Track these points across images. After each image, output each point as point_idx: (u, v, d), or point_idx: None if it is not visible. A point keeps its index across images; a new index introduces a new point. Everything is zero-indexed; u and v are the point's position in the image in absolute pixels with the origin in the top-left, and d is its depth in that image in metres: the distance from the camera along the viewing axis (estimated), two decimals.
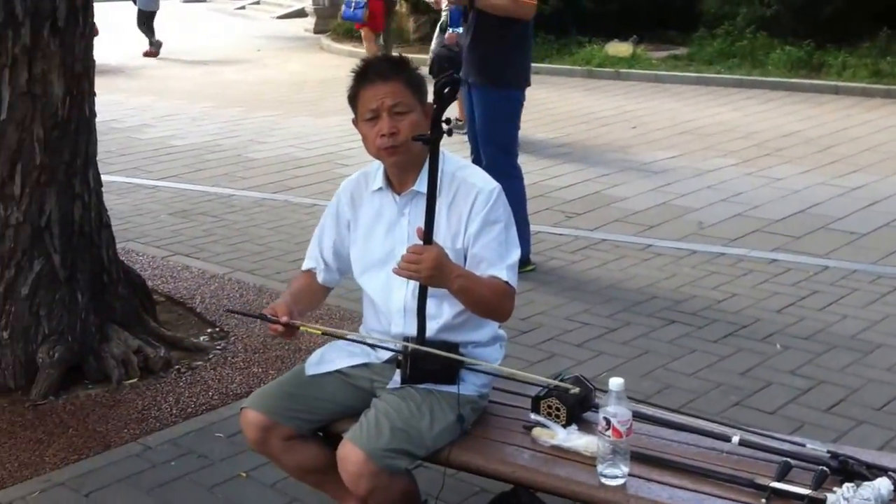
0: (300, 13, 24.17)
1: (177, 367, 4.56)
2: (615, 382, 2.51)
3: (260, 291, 5.52)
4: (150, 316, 4.91)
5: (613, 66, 14.00)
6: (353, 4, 13.76)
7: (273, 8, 26.63)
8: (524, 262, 5.77)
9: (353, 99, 2.84)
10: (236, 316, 4.99)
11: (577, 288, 5.59)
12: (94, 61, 4.59)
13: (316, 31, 20.80)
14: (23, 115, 4.23)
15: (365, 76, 2.80)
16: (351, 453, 2.64)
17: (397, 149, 2.75)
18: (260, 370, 4.52)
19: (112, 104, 12.26)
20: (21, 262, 4.31)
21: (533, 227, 6.33)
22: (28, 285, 4.32)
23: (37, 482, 3.61)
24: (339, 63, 15.03)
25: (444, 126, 2.54)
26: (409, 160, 2.78)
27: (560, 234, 6.60)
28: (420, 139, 2.61)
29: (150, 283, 5.37)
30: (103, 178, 8.02)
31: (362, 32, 14.38)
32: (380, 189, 2.90)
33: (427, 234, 2.60)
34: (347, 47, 17.50)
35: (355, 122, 2.86)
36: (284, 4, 26.44)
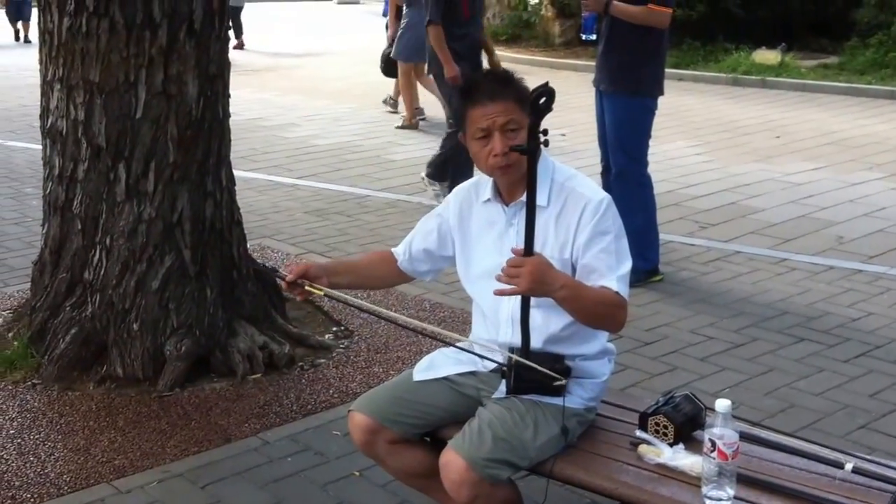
0: None
1: (300, 363, 4.64)
2: (722, 404, 2.43)
3: (387, 293, 5.57)
4: (279, 313, 5.00)
5: (760, 74, 13.66)
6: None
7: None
8: (653, 271, 5.70)
9: (462, 118, 2.83)
10: (361, 316, 5.06)
11: (706, 300, 5.46)
12: (229, 63, 4.70)
13: None
14: (158, 115, 4.37)
15: (472, 95, 2.79)
16: (453, 461, 2.64)
17: (511, 167, 2.74)
18: (381, 370, 4.56)
19: (262, 102, 12.67)
20: (153, 257, 4.45)
21: (665, 237, 6.23)
22: (159, 279, 4.46)
23: (156, 472, 3.72)
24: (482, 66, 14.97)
25: (542, 137, 2.51)
26: (520, 174, 2.76)
27: (692, 245, 6.46)
28: (517, 149, 2.59)
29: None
30: (246, 174, 8.32)
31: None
32: (489, 200, 2.89)
33: (528, 245, 2.57)
34: (498, 53, 17.53)
35: (463, 138, 2.86)
36: None
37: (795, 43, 14.78)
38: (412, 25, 9.74)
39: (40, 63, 4.62)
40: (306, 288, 2.89)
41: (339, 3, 28.50)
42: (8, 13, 19.69)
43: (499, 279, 2.59)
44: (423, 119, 11.13)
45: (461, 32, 7.24)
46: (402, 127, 10.92)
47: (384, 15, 14.32)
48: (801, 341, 4.88)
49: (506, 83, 2.80)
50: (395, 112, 11.72)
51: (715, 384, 4.36)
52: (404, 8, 10.18)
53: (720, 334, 4.98)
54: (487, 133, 2.75)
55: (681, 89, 12.73)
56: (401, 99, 11.38)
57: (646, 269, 5.63)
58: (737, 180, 8.18)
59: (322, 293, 2.92)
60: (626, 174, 5.57)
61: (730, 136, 10.11)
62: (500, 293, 2.62)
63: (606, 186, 5.63)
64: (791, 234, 6.67)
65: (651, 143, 5.80)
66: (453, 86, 6.96)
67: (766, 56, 14.12)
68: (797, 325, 5.07)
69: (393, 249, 3.16)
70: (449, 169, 7.55)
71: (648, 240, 5.66)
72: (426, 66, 7.92)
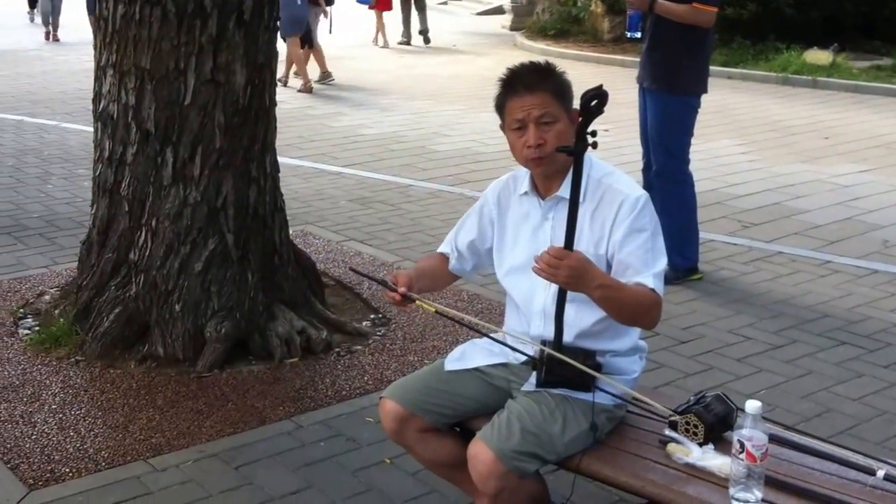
0: (498, 10, 24.39)
1: (337, 349, 4.69)
2: (752, 405, 2.43)
3: None
4: (318, 298, 5.06)
5: (811, 74, 13.49)
6: None
7: (473, 4, 26.96)
8: (692, 269, 5.68)
9: (500, 108, 2.84)
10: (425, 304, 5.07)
11: (745, 301, 5.43)
12: (276, 52, 4.76)
13: (512, 29, 20.98)
14: (205, 101, 4.44)
15: (511, 86, 2.80)
16: (481, 452, 2.66)
17: (544, 159, 2.75)
18: (415, 359, 4.59)
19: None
20: (196, 240, 4.52)
21: (706, 235, 6.21)
22: (202, 262, 4.53)
23: (192, 451, 3.78)
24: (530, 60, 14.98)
25: (589, 138, 2.52)
26: (555, 168, 2.78)
27: (734, 244, 6.42)
28: (564, 150, 2.60)
29: (322, 267, 5.55)
30: (293, 161, 8.38)
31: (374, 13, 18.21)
32: (525, 193, 2.91)
33: (568, 243, 2.58)
34: (540, 45, 17.56)
35: (503, 128, 2.87)
36: (484, 1, 26.74)
37: (847, 44, 14.57)
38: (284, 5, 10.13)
39: (94, 48, 4.72)
40: (418, 303, 2.85)
41: None
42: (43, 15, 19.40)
43: (536, 269, 2.59)
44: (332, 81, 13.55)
45: None
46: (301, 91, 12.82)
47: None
48: (841, 345, 4.84)
49: (545, 75, 2.80)
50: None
51: (751, 386, 4.34)
52: None
53: (758, 335, 4.95)
54: (523, 124, 2.76)
55: (730, 88, 12.64)
56: (292, 71, 13.44)
57: (685, 267, 5.62)
58: (782, 180, 8.11)
59: (434, 310, 2.85)
60: (667, 171, 5.55)
61: (777, 136, 10.02)
62: (539, 274, 2.60)
63: (647, 183, 5.62)
64: (835, 236, 6.61)
65: (696, 140, 5.78)
66: None
67: (818, 56, 13.96)
68: (837, 329, 5.04)
69: (440, 250, 3.16)
70: None
71: (688, 238, 5.64)
72: None
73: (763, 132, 10.20)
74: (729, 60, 14.18)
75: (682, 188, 5.58)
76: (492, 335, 2.99)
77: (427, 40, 18.52)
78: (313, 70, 13.49)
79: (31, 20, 20.89)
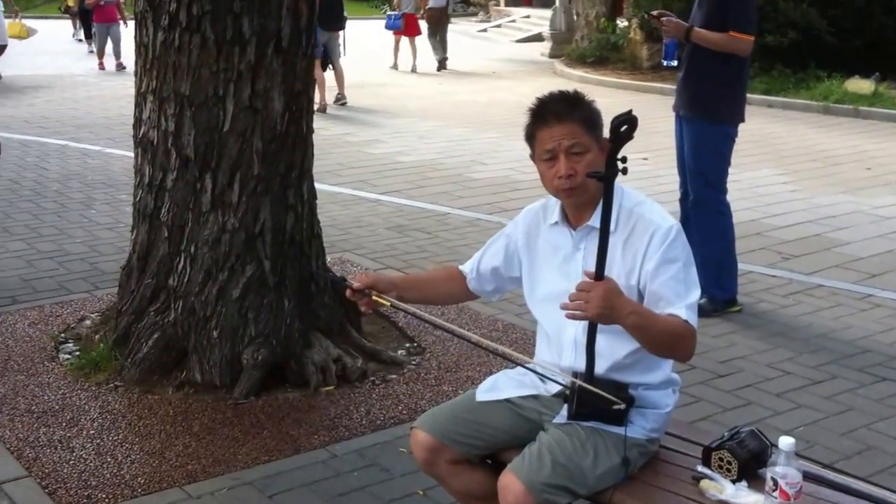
0: (537, 37, 24.52)
1: (372, 378, 4.69)
2: (785, 442, 2.40)
3: (461, 311, 5.59)
4: (354, 326, 5.07)
5: (852, 103, 13.38)
6: (392, 18, 18.85)
7: (513, 32, 27.17)
8: (730, 301, 5.63)
9: (530, 138, 2.85)
10: (434, 333, 5.09)
11: (785, 334, 5.37)
12: (314, 79, 4.80)
13: (551, 56, 21.08)
14: (244, 128, 4.48)
15: (541, 116, 2.80)
16: (511, 484, 2.65)
17: (574, 189, 2.75)
18: (450, 388, 4.59)
19: (348, 118, 12.85)
20: (234, 266, 4.56)
21: (745, 267, 6.16)
22: (239, 288, 4.56)
23: (227, 479, 3.80)
24: (568, 88, 14.95)
25: (620, 164, 2.51)
26: (586, 198, 2.78)
27: (773, 276, 6.36)
28: (595, 176, 2.59)
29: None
30: (331, 188, 8.43)
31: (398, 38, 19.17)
32: (556, 223, 2.90)
33: (599, 272, 2.56)
34: (579, 72, 17.59)
35: (533, 158, 2.88)
36: (524, 29, 26.93)
37: (889, 73, 14.45)
38: None
39: (135, 75, 4.78)
40: (373, 298, 2.92)
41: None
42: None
43: (564, 307, 2.59)
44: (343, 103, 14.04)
45: None
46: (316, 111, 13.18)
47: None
48: (883, 381, 4.77)
49: (574, 105, 2.80)
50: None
51: (790, 421, 4.29)
52: None
53: (798, 370, 4.90)
54: (553, 155, 2.76)
55: (770, 116, 12.58)
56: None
57: (723, 298, 5.58)
58: (823, 211, 8.04)
59: (388, 304, 2.94)
60: (703, 201, 5.52)
61: (818, 166, 9.94)
62: (571, 317, 2.61)
63: (684, 213, 5.60)
64: (877, 269, 6.53)
65: (736, 169, 5.75)
66: None
67: (860, 85, 13.86)
68: (879, 364, 4.96)
69: (460, 267, 3.19)
70: None
71: (726, 269, 5.60)
72: None
73: (804, 162, 10.13)
74: (769, 88, 14.12)
75: (720, 218, 5.54)
76: (525, 365, 2.98)
77: (443, 67, 19.15)
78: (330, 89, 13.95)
79: (90, 51, 21.10)
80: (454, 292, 3.21)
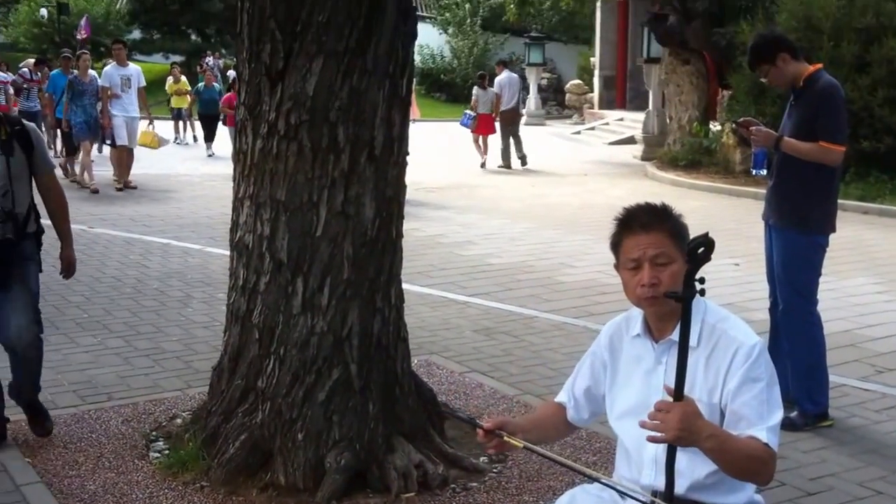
0: (630, 140, 24.70)
1: (453, 485, 4.66)
2: None
3: None
4: (437, 431, 5.06)
5: None
6: (466, 117, 20.27)
7: (606, 134, 27.42)
8: (822, 415, 5.49)
9: (616, 246, 2.88)
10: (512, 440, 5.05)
11: (878, 451, 5.20)
12: (405, 186, 4.91)
13: (643, 158, 21.18)
14: (336, 233, 4.59)
15: (628, 225, 2.84)
16: None
17: (657, 299, 2.76)
18: (531, 499, 4.54)
19: (441, 219, 13.02)
20: (321, 369, 4.63)
21: (837, 379, 6.02)
22: (325, 391, 4.62)
23: None
24: (660, 191, 15.17)
25: (698, 285, 2.52)
26: (668, 308, 2.78)
27: (866, 390, 6.18)
28: (672, 296, 2.59)
29: (442, 398, 5.57)
30: (421, 290, 8.51)
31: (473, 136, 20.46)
32: (638, 335, 2.91)
33: (678, 391, 2.55)
34: (671, 175, 17.60)
35: (617, 267, 2.90)
36: (617, 131, 27.16)
37: None
38: None
39: (233, 181, 4.96)
40: (505, 439, 2.87)
41: (525, 123, 29.25)
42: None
43: (643, 425, 2.57)
44: None
45: None
46: None
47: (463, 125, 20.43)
48: None
49: (661, 216, 2.83)
50: None
51: None
52: None
53: (891, 490, 4.72)
54: (638, 264, 2.79)
55: (866, 223, 12.33)
56: None
57: (814, 412, 5.44)
58: None
59: (521, 446, 2.87)
60: (793, 310, 5.44)
61: None
62: (651, 440, 2.59)
63: (774, 323, 5.52)
64: None
65: (830, 278, 5.67)
66: None
67: None
68: None
69: (556, 399, 3.17)
70: None
71: (817, 381, 5.47)
72: None
73: None
74: (866, 195, 13.90)
75: (810, 328, 5.44)
76: (603, 480, 2.96)
77: (524, 163, 19.96)
78: None
79: (209, 154, 21.86)
80: (559, 427, 3.19)
